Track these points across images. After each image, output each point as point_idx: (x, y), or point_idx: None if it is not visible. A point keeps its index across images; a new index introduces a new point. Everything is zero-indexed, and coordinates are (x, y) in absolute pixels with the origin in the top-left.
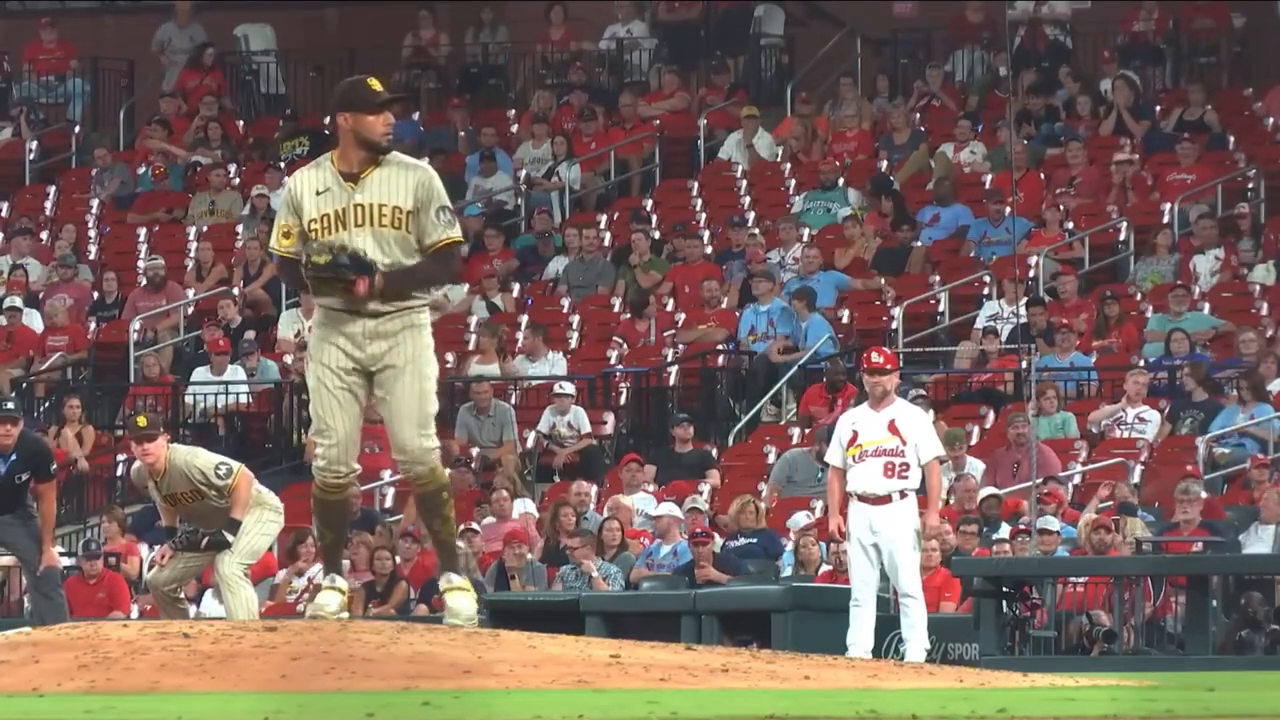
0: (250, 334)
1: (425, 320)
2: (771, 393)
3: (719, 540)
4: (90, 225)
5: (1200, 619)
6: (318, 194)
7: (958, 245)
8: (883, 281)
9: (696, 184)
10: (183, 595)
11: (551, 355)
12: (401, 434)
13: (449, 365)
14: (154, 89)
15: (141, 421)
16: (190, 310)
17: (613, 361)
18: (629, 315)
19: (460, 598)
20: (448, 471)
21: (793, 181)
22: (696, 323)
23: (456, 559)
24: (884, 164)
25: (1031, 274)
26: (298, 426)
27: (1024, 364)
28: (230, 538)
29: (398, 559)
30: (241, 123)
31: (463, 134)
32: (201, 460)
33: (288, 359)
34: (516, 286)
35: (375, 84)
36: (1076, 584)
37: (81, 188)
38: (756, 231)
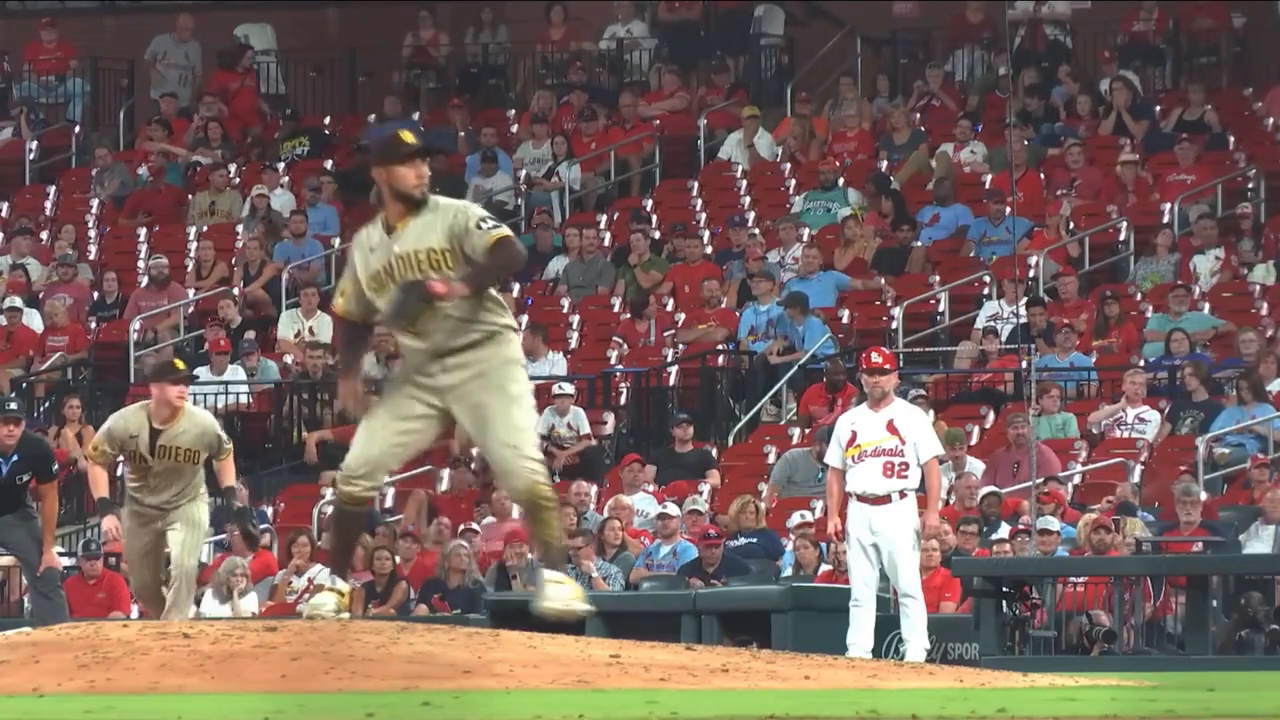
0: (250, 334)
1: (508, 340)
2: (771, 393)
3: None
4: (90, 225)
5: (1200, 619)
6: (370, 251)
7: (958, 245)
8: (883, 281)
9: (696, 184)
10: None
11: (551, 355)
12: (493, 456)
13: None
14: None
15: (180, 364)
16: (190, 310)
17: (613, 362)
18: (629, 315)
19: (559, 586)
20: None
21: (793, 181)
22: (696, 323)
23: (555, 558)
24: (884, 164)
25: (1031, 274)
26: (298, 426)
27: (1024, 364)
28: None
29: (398, 559)
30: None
31: (463, 134)
32: (214, 424)
33: (288, 359)
34: (516, 286)
35: (407, 135)
36: (1076, 584)
37: (81, 188)
38: (756, 231)
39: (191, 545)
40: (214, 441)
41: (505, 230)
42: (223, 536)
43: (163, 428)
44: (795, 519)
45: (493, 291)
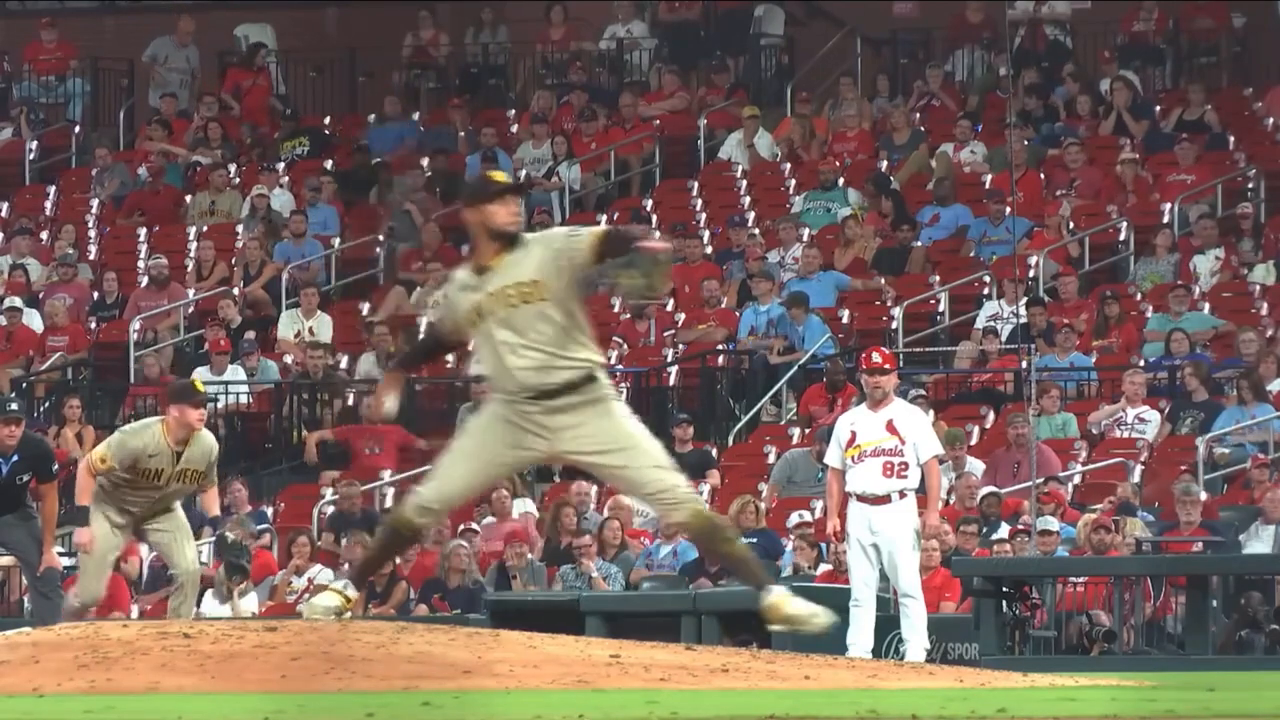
0: (250, 334)
1: (603, 376)
2: (771, 393)
3: None
4: (90, 225)
5: (1200, 619)
6: (461, 290)
7: (958, 245)
8: (883, 281)
9: (696, 184)
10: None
11: None
12: (649, 497)
13: (449, 365)
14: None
15: (200, 386)
16: (190, 310)
17: (613, 361)
18: (629, 315)
19: (796, 603)
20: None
21: (793, 181)
22: (696, 323)
23: (757, 574)
24: (884, 164)
25: (1031, 274)
26: (297, 426)
27: (1024, 364)
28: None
29: (398, 559)
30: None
31: (463, 134)
32: (216, 446)
33: (288, 359)
34: None
35: (498, 175)
36: (1076, 584)
37: (81, 188)
38: (756, 231)
39: (191, 550)
40: (212, 464)
41: (599, 228)
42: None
43: (180, 449)
44: (794, 519)
45: (582, 321)
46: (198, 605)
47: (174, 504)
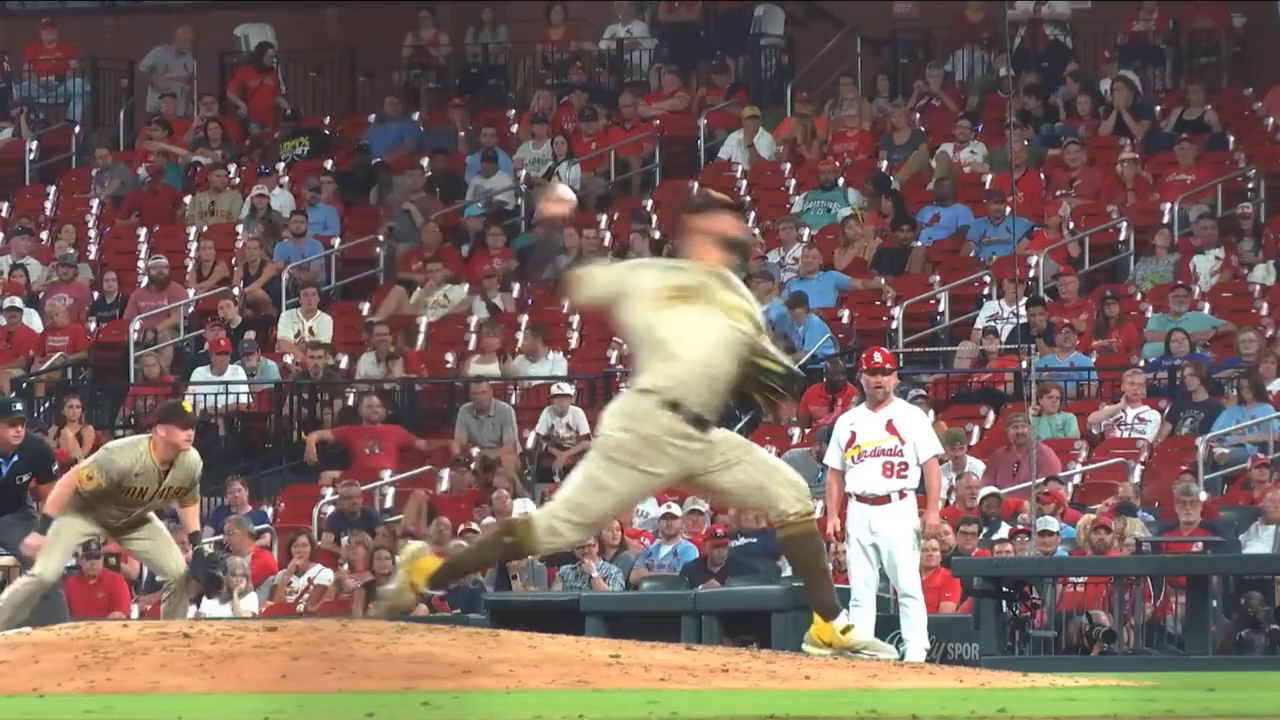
0: (250, 334)
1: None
2: None
3: None
4: (90, 225)
5: (1200, 619)
6: (667, 270)
7: (958, 245)
8: (883, 281)
9: (696, 184)
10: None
11: (551, 355)
12: (777, 504)
13: (449, 365)
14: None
15: (188, 407)
16: (190, 310)
17: (613, 361)
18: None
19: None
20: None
21: (793, 181)
22: None
23: (824, 596)
24: (884, 164)
25: (1031, 274)
26: (297, 427)
27: (1024, 364)
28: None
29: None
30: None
31: (463, 134)
32: (199, 464)
33: (288, 359)
34: (516, 286)
35: (719, 195)
36: (1076, 584)
37: (81, 188)
38: (756, 231)
39: (175, 553)
40: (195, 481)
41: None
42: (220, 537)
43: (166, 468)
44: None
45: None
46: (196, 605)
47: (147, 520)
